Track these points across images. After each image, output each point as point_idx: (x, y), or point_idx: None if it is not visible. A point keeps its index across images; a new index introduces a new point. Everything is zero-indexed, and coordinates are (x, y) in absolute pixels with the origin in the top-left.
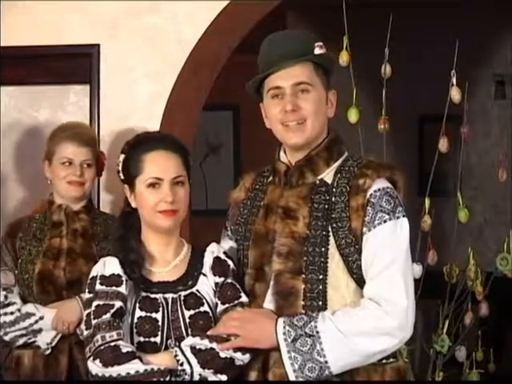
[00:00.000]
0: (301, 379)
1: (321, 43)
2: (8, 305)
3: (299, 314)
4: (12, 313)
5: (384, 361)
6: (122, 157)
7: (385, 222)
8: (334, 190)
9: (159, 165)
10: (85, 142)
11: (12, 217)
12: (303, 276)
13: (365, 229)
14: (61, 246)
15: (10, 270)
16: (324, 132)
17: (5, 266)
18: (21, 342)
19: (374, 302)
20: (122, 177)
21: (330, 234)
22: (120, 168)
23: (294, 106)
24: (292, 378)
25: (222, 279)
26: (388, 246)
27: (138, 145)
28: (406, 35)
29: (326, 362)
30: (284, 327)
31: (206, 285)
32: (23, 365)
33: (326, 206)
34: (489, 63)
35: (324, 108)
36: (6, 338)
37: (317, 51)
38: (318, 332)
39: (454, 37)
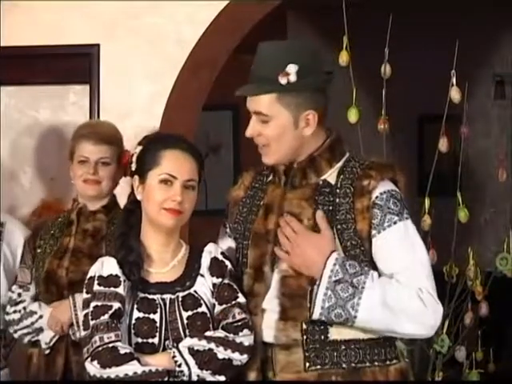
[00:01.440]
0: (323, 318)
1: (291, 69)
2: (18, 303)
3: (353, 260)
4: (19, 311)
5: (388, 362)
6: (139, 148)
7: (395, 223)
8: (337, 191)
9: (176, 163)
10: (102, 140)
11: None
12: (309, 277)
13: (374, 231)
14: (68, 245)
15: (28, 268)
16: (321, 135)
17: (24, 264)
18: (26, 339)
19: (418, 289)
20: (134, 167)
21: (335, 235)
22: (134, 158)
23: (253, 132)
24: (316, 314)
25: (220, 280)
26: (408, 247)
27: (158, 140)
28: (406, 35)
29: (355, 317)
30: (334, 264)
31: (204, 285)
32: (32, 363)
33: (331, 208)
34: (489, 63)
35: (292, 132)
36: (16, 335)
37: (281, 80)
38: (363, 288)
39: (453, 37)
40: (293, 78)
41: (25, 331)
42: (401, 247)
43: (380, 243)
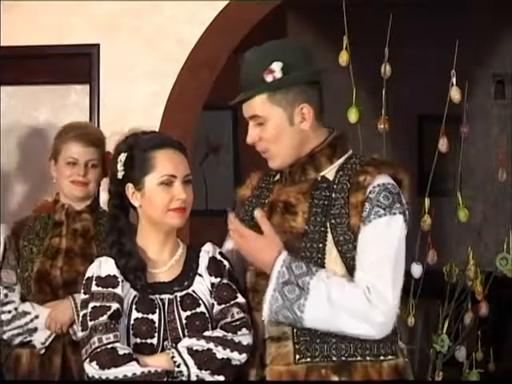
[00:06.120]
0: (272, 319)
1: (275, 66)
2: (6, 303)
3: (301, 260)
4: (9, 311)
5: (382, 358)
6: (124, 155)
7: (380, 216)
8: (334, 186)
9: (172, 162)
10: (91, 143)
11: (12, 216)
12: None
13: (361, 224)
14: (59, 246)
15: (12, 268)
16: (322, 132)
17: (7, 264)
18: (17, 340)
19: (366, 288)
20: (122, 175)
21: (328, 230)
22: (120, 166)
23: (252, 138)
24: (265, 316)
25: (218, 279)
26: (381, 241)
27: (142, 143)
28: (406, 35)
29: (302, 317)
30: (281, 266)
31: (202, 285)
32: (21, 364)
33: (326, 203)
34: (489, 63)
35: (289, 130)
36: (5, 336)
37: (267, 78)
38: (308, 289)
39: (453, 37)
40: (278, 74)
41: (15, 332)
42: (375, 242)
43: (361, 236)
